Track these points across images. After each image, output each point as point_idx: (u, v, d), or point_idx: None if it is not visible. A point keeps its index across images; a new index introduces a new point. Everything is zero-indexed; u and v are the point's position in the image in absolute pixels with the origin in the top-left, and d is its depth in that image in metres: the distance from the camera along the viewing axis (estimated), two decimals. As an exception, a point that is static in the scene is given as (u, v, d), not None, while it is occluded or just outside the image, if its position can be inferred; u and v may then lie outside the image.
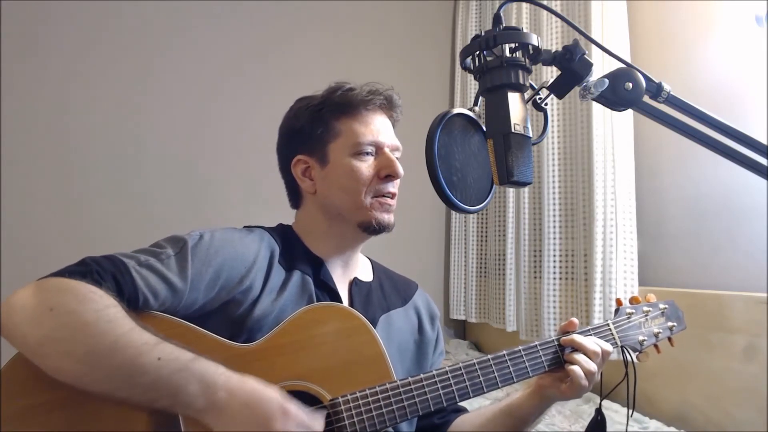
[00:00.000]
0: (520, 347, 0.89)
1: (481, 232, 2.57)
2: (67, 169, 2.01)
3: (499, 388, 0.86)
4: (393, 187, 0.94)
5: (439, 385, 0.82)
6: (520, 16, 2.31)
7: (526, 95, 0.65)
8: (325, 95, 0.95)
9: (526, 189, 2.17)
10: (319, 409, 0.74)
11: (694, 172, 1.76)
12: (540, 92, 0.67)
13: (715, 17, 1.73)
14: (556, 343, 0.90)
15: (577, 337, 0.89)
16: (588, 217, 1.88)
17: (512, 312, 2.23)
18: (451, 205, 0.60)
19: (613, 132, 1.83)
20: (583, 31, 0.72)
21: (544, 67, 1.55)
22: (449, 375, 0.83)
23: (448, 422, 1.00)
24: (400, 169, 0.93)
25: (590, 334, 0.92)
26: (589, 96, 0.63)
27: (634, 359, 0.95)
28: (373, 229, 0.92)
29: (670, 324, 1.00)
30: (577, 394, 0.87)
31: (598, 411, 0.96)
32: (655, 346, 0.99)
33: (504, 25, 0.63)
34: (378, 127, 0.94)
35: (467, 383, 0.83)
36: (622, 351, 0.94)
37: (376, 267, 1.08)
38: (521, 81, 0.62)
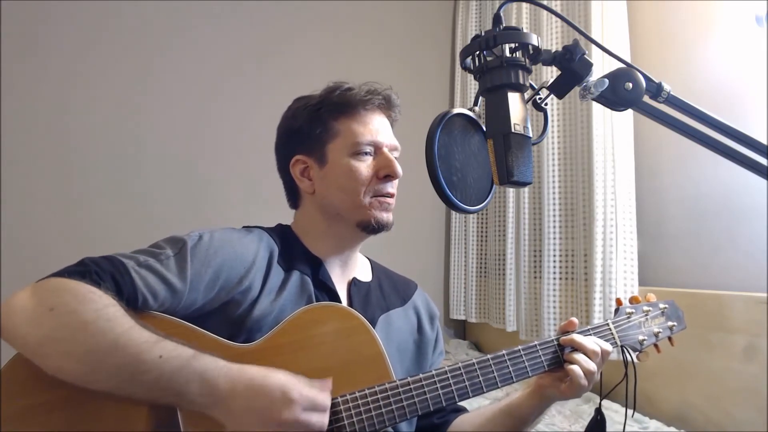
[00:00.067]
0: (520, 347, 0.88)
1: (481, 232, 2.57)
2: (67, 169, 2.01)
3: (498, 388, 0.86)
4: (392, 187, 0.94)
5: (438, 385, 0.82)
6: (520, 16, 2.31)
7: (526, 95, 0.64)
8: (323, 95, 0.95)
9: (526, 189, 2.17)
10: (323, 383, 0.73)
11: (694, 172, 1.76)
12: (540, 92, 0.67)
13: (715, 17, 1.73)
14: (555, 342, 0.90)
15: (577, 337, 0.89)
16: (588, 217, 1.88)
17: (512, 312, 2.23)
18: (451, 205, 0.60)
19: (613, 132, 1.83)
20: (583, 31, 0.72)
21: (544, 67, 1.55)
22: (449, 375, 0.83)
23: (447, 422, 0.99)
24: (399, 169, 0.93)
25: (590, 334, 0.92)
26: (589, 96, 0.63)
27: (634, 359, 0.95)
28: (372, 228, 0.92)
29: (670, 324, 1.00)
30: (577, 393, 0.87)
31: (598, 411, 0.96)
32: (655, 345, 0.99)
33: (504, 25, 0.62)
34: (376, 127, 0.94)
35: (467, 383, 0.83)
36: (622, 351, 0.94)
37: (375, 267, 1.08)
38: (521, 81, 0.62)
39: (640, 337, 0.96)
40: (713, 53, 1.73)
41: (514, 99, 0.61)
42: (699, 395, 1.57)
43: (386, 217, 0.93)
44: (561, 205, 2.04)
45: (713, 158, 0.69)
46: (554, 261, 2.02)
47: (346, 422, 0.77)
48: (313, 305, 0.86)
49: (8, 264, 1.82)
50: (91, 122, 2.04)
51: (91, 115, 2.04)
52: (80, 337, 0.65)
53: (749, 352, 1.44)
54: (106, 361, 0.65)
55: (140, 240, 0.88)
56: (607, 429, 0.96)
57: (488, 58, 0.63)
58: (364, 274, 1.03)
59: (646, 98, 0.63)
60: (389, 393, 0.79)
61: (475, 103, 0.65)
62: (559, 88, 0.65)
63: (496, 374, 0.85)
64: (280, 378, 0.69)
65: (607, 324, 0.96)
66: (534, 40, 0.62)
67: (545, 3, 1.41)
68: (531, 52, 0.62)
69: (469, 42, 0.64)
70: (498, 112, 0.61)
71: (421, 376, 0.82)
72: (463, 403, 0.95)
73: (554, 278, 2.02)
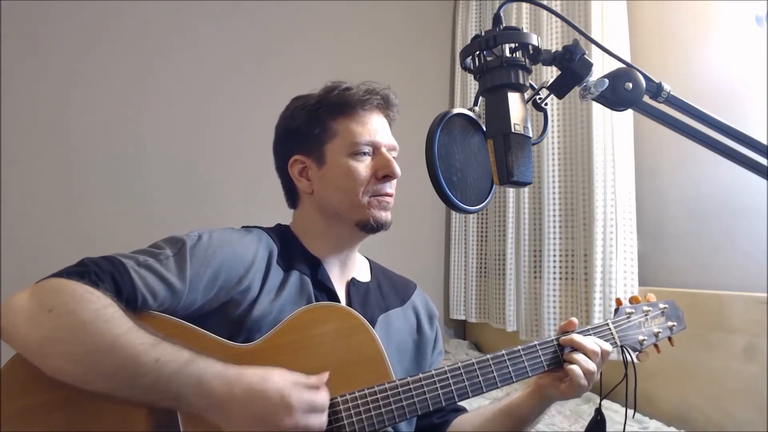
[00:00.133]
0: (519, 347, 0.88)
1: (481, 232, 2.57)
2: (67, 169, 2.01)
3: (498, 387, 0.86)
4: (390, 187, 0.94)
5: (438, 385, 0.82)
6: (520, 16, 2.31)
7: (526, 95, 0.64)
8: (321, 95, 0.95)
9: (526, 189, 2.17)
10: (319, 380, 0.73)
11: (694, 172, 1.76)
12: (540, 92, 0.67)
13: (715, 17, 1.73)
14: (555, 342, 0.90)
15: (577, 337, 0.89)
16: (588, 217, 1.88)
17: (512, 312, 2.23)
18: (451, 205, 0.60)
19: (613, 132, 1.83)
20: (583, 31, 0.72)
21: (544, 67, 1.55)
22: (448, 375, 0.83)
23: (447, 422, 0.99)
24: (398, 170, 0.92)
25: (590, 334, 0.92)
26: (589, 96, 0.63)
27: (634, 359, 0.95)
28: (371, 227, 0.92)
29: (670, 324, 1.00)
30: (577, 393, 0.87)
31: (598, 411, 0.96)
32: (655, 345, 0.99)
33: (504, 25, 0.62)
34: (375, 127, 0.93)
35: (466, 383, 0.83)
36: (622, 351, 0.94)
37: (374, 267, 1.08)
38: (521, 81, 0.62)
39: (640, 337, 0.96)
40: (713, 53, 1.73)
41: (514, 99, 0.61)
42: (699, 395, 1.57)
43: (385, 216, 0.93)
44: (561, 205, 2.04)
45: (713, 158, 0.69)
46: (554, 261, 2.02)
47: (345, 422, 0.77)
48: (312, 305, 0.86)
49: (8, 264, 1.82)
50: (91, 122, 2.04)
51: (91, 115, 2.04)
52: (78, 337, 0.65)
53: (749, 352, 1.44)
54: (103, 362, 0.65)
55: (140, 240, 0.88)
56: (608, 429, 0.96)
57: (488, 58, 0.62)
58: (363, 274, 1.03)
59: (646, 98, 0.63)
60: (389, 393, 0.79)
61: (475, 103, 0.65)
62: (559, 88, 0.65)
63: (495, 374, 0.85)
64: (277, 381, 0.69)
65: (607, 324, 0.95)
66: (534, 40, 0.62)
67: (545, 3, 1.41)
68: (531, 52, 0.62)
69: (469, 42, 0.64)
70: (498, 112, 0.61)
71: (420, 376, 0.82)
72: (462, 403, 0.95)
73: (554, 278, 2.02)
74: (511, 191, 2.25)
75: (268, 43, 2.39)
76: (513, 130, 0.60)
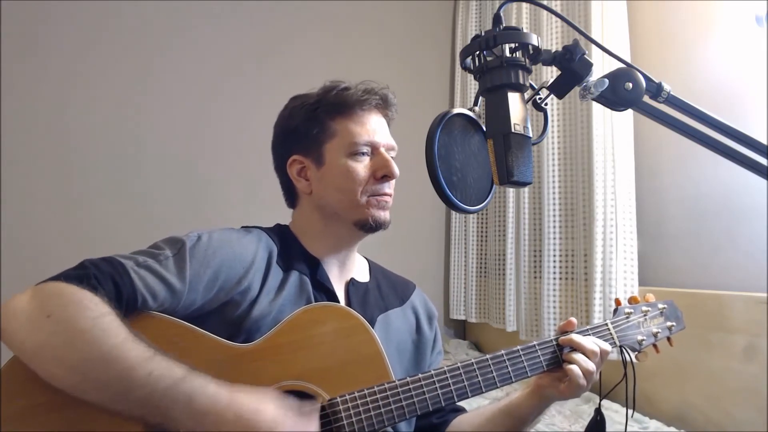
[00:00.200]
0: (519, 347, 0.89)
1: (481, 232, 2.57)
2: (67, 169, 2.01)
3: (497, 387, 0.86)
4: (389, 187, 0.94)
5: (437, 385, 0.82)
6: (520, 16, 2.31)
7: (526, 95, 0.64)
8: (320, 94, 0.95)
9: (526, 189, 2.17)
10: (312, 410, 0.72)
11: (694, 172, 1.76)
12: (540, 92, 0.67)
13: (715, 17, 1.73)
14: (554, 342, 0.90)
15: (576, 337, 0.89)
16: (588, 217, 1.88)
17: (512, 312, 2.22)
18: (451, 205, 0.60)
19: (613, 132, 1.83)
20: (583, 31, 0.72)
21: (544, 67, 1.55)
22: (447, 375, 0.83)
23: (446, 422, 0.99)
24: (396, 170, 0.92)
25: (589, 334, 0.92)
26: (589, 96, 0.63)
27: (633, 359, 0.95)
28: (370, 226, 0.92)
29: (669, 324, 1.00)
30: (576, 393, 0.87)
31: (598, 411, 0.96)
32: (654, 345, 0.99)
33: (504, 25, 0.62)
34: (374, 127, 0.93)
35: (465, 383, 0.83)
36: (621, 351, 0.94)
37: (373, 267, 1.08)
38: (521, 81, 0.62)
39: (639, 337, 0.96)
40: (713, 53, 1.73)
41: (514, 99, 0.61)
42: (699, 395, 1.57)
43: (383, 215, 0.93)
44: (561, 205, 2.04)
45: (713, 158, 0.69)
46: (554, 261, 2.02)
47: (345, 422, 0.77)
48: (312, 305, 0.86)
49: (8, 264, 1.82)
50: (91, 122, 2.04)
51: (91, 115, 2.04)
52: (74, 345, 0.65)
53: (749, 352, 1.44)
54: (97, 372, 0.65)
55: (140, 240, 0.88)
56: (608, 429, 0.96)
57: (488, 58, 0.62)
58: (362, 274, 1.03)
59: (646, 98, 0.63)
60: (388, 393, 0.79)
61: (475, 103, 0.65)
62: (559, 88, 0.65)
63: (495, 374, 0.85)
64: (269, 413, 0.67)
65: (606, 324, 0.96)
66: (534, 40, 0.62)
67: (545, 3, 1.41)
68: (531, 52, 0.62)
69: (469, 42, 0.64)
70: (498, 112, 0.61)
71: (420, 376, 0.82)
72: (462, 403, 0.95)
73: (554, 278, 2.02)
74: (511, 191, 2.25)
75: (268, 43, 2.39)
76: (513, 130, 0.60)
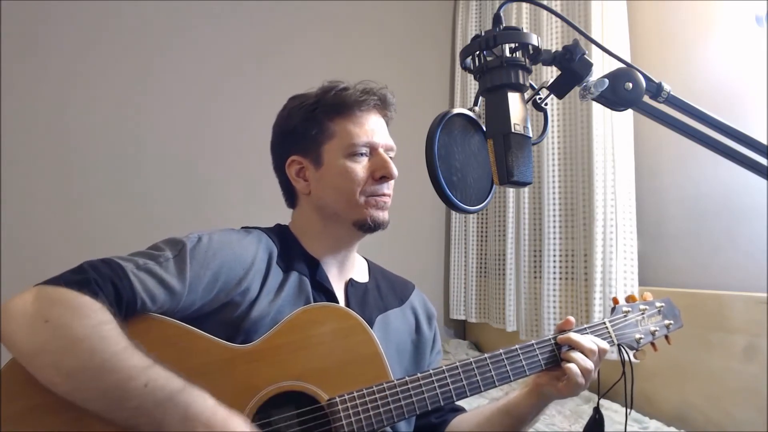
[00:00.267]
0: (517, 346, 0.89)
1: (481, 232, 2.57)
2: (67, 169, 2.01)
3: (496, 386, 0.86)
4: (387, 188, 0.94)
5: (436, 384, 0.82)
6: (520, 16, 2.31)
7: (526, 95, 0.64)
8: (318, 95, 0.95)
9: (526, 189, 2.17)
10: None
11: (694, 172, 1.76)
12: (540, 92, 0.67)
13: (715, 17, 1.73)
14: (552, 341, 0.91)
15: (574, 335, 0.89)
16: (588, 217, 1.88)
17: (512, 312, 2.23)
18: (451, 205, 0.60)
19: (613, 132, 1.83)
20: (583, 31, 0.72)
21: (544, 67, 1.55)
22: (446, 374, 0.83)
23: (445, 422, 1.00)
24: (395, 170, 0.92)
25: (587, 333, 0.93)
26: (589, 96, 0.63)
27: (631, 357, 0.95)
28: (368, 226, 0.92)
29: (666, 322, 1.00)
30: (574, 392, 0.87)
31: (596, 410, 0.96)
32: (652, 344, 0.99)
33: (504, 25, 0.62)
34: (372, 128, 0.93)
35: (464, 382, 0.83)
36: (619, 349, 0.94)
37: (372, 267, 1.08)
38: (521, 81, 0.62)
39: (637, 336, 0.97)
40: (713, 53, 1.73)
41: (514, 99, 0.61)
42: (699, 395, 1.57)
43: (382, 215, 0.93)
44: (561, 205, 2.04)
45: (713, 158, 0.69)
46: (554, 261, 2.03)
47: (344, 422, 0.77)
48: (310, 306, 0.86)
49: (8, 264, 1.82)
50: (91, 122, 2.04)
51: (91, 115, 2.04)
52: (71, 352, 0.65)
53: (749, 352, 1.44)
54: (93, 381, 0.64)
55: (140, 240, 0.88)
56: (608, 429, 0.96)
57: (488, 58, 0.62)
58: (361, 274, 1.03)
59: (646, 98, 0.63)
60: (387, 393, 0.79)
61: (475, 103, 0.65)
62: (559, 88, 0.65)
63: (493, 373, 0.85)
64: None
65: (604, 323, 0.96)
66: (534, 40, 0.62)
67: (545, 3, 1.41)
68: (531, 52, 0.62)
69: (469, 42, 0.64)
70: (498, 112, 0.61)
71: (418, 375, 0.82)
72: (461, 403, 0.95)
73: (554, 278, 2.02)
74: (511, 191, 2.25)
75: (268, 43, 2.39)
76: (513, 130, 0.60)
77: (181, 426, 0.64)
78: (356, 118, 0.92)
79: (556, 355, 0.90)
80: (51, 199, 1.97)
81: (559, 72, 0.64)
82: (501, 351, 0.87)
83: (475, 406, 1.04)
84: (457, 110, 0.63)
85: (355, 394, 0.79)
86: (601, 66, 1.52)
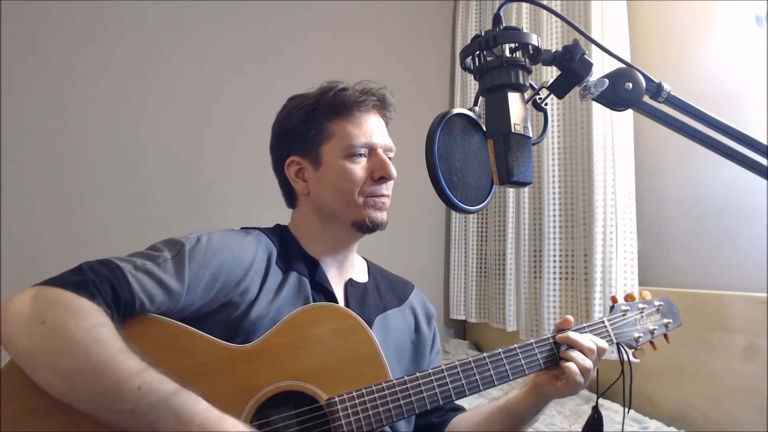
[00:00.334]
0: (516, 345, 0.89)
1: (481, 232, 2.57)
2: (67, 169, 2.01)
3: (495, 386, 0.86)
4: (386, 189, 0.93)
5: (435, 384, 0.82)
6: (520, 16, 2.31)
7: (526, 95, 0.64)
8: (317, 95, 0.94)
9: (526, 189, 2.17)
10: None
11: (694, 172, 1.76)
12: (540, 92, 0.67)
13: (715, 17, 1.73)
14: (551, 340, 0.91)
15: (572, 334, 0.89)
16: (588, 217, 1.88)
17: (512, 312, 2.23)
18: (451, 205, 0.60)
19: (613, 132, 1.83)
20: (583, 31, 0.72)
21: (544, 67, 1.55)
22: (445, 373, 0.83)
23: (445, 421, 1.00)
24: (394, 171, 0.92)
25: (586, 332, 0.93)
26: (589, 96, 0.63)
27: (630, 356, 0.95)
28: (367, 227, 0.92)
29: (665, 321, 1.00)
30: (573, 391, 0.87)
31: (595, 409, 0.96)
32: (651, 343, 0.99)
33: (504, 25, 0.62)
34: (371, 128, 0.93)
35: (463, 381, 0.83)
36: (618, 348, 0.94)
37: (371, 267, 1.08)
38: (521, 81, 0.62)
39: (636, 334, 0.97)
40: (713, 53, 1.73)
41: (514, 99, 0.61)
42: (699, 395, 1.57)
43: (380, 216, 0.93)
44: (561, 205, 2.04)
45: (713, 158, 0.69)
46: (554, 261, 2.03)
47: (343, 421, 0.77)
48: (309, 305, 0.86)
49: (8, 264, 1.82)
50: (91, 122, 2.04)
51: (91, 115, 2.04)
52: (67, 354, 0.65)
53: (749, 352, 1.44)
54: (87, 383, 0.64)
55: (140, 240, 0.88)
56: (608, 429, 0.96)
57: (488, 58, 0.62)
58: (361, 274, 1.03)
59: (646, 98, 0.63)
60: (386, 392, 0.79)
61: (475, 103, 0.65)
62: (559, 88, 0.65)
63: (492, 372, 0.85)
64: None
65: (603, 321, 0.96)
66: (534, 40, 0.62)
67: (545, 3, 1.41)
68: (531, 52, 0.62)
69: (469, 42, 0.64)
70: (498, 112, 0.61)
71: (417, 375, 0.82)
72: (461, 402, 0.95)
73: (554, 278, 2.02)
74: (511, 191, 2.25)
75: (268, 43, 2.39)
76: (513, 130, 0.60)
77: (176, 425, 0.64)
78: (355, 119, 0.92)
79: (555, 354, 0.90)
80: (51, 199, 1.97)
81: (559, 72, 0.64)
82: (500, 350, 0.87)
83: (475, 405, 1.04)
84: (457, 110, 0.63)
85: (354, 393, 0.79)
86: (601, 66, 1.52)
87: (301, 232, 0.97)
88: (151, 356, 0.69)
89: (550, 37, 2.08)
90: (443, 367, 0.84)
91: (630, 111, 0.73)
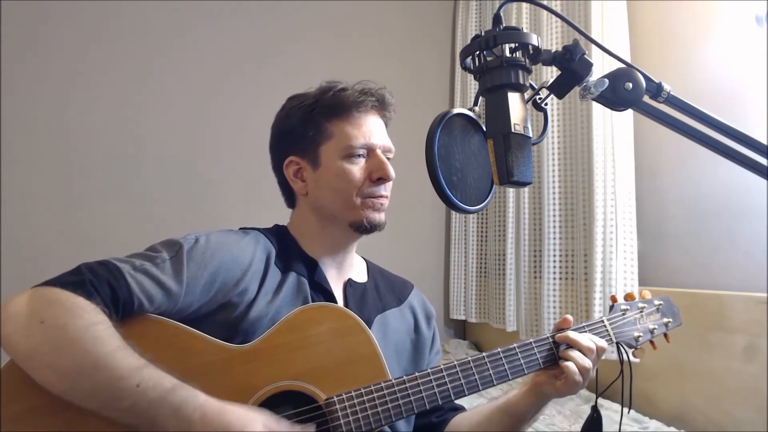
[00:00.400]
0: (515, 344, 0.89)
1: (481, 232, 2.57)
2: (67, 169, 2.01)
3: (494, 385, 0.86)
4: (384, 189, 0.93)
5: (434, 383, 0.82)
6: (520, 16, 2.31)
7: (526, 95, 0.64)
8: (317, 95, 0.94)
9: (526, 189, 2.17)
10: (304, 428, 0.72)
11: (694, 172, 1.76)
12: (540, 92, 0.67)
13: (715, 17, 1.73)
14: (550, 340, 0.90)
15: (572, 334, 0.89)
16: (588, 217, 1.88)
17: (512, 312, 2.23)
18: (451, 205, 0.60)
19: (613, 132, 1.83)
20: (583, 31, 0.72)
21: (544, 67, 1.55)
22: (444, 373, 0.83)
23: (445, 421, 1.00)
24: (392, 172, 0.92)
25: (585, 331, 0.92)
26: (589, 96, 0.63)
27: (630, 356, 0.95)
28: (365, 228, 0.92)
29: (665, 320, 1.00)
30: (572, 390, 0.87)
31: (594, 408, 0.96)
32: (651, 342, 0.99)
33: (504, 25, 0.62)
34: (370, 129, 0.93)
35: (462, 381, 0.83)
36: (617, 347, 0.94)
37: (371, 267, 1.08)
38: (521, 81, 0.62)
39: (636, 334, 0.96)
40: (713, 53, 1.73)
41: (514, 99, 0.61)
42: (699, 395, 1.57)
43: (378, 217, 0.93)
44: (561, 205, 2.04)
45: (713, 158, 0.69)
46: (554, 261, 2.02)
47: (342, 421, 0.77)
48: (308, 305, 0.86)
49: (8, 264, 1.82)
50: (91, 122, 2.04)
51: (91, 115, 2.04)
52: (65, 353, 0.65)
53: (749, 352, 1.44)
54: (86, 381, 0.65)
55: (140, 240, 0.88)
56: (607, 428, 0.96)
57: (488, 58, 0.62)
58: (360, 274, 1.03)
59: (646, 98, 0.63)
60: (385, 392, 0.79)
61: (475, 103, 0.65)
62: (559, 88, 0.65)
63: (491, 372, 0.85)
64: (259, 426, 0.68)
65: (602, 321, 0.96)
66: (534, 40, 0.62)
67: (545, 3, 1.41)
68: (531, 52, 0.62)
69: (469, 42, 0.64)
70: (498, 112, 0.61)
71: (416, 374, 0.82)
72: (461, 402, 0.95)
73: (554, 278, 2.02)
74: (511, 191, 2.25)
75: (268, 43, 2.39)
76: (513, 130, 0.60)
77: (175, 420, 0.65)
78: (354, 120, 0.92)
79: (555, 354, 0.89)
80: (51, 199, 1.97)
81: (559, 72, 0.64)
82: (499, 350, 0.87)
83: (475, 405, 1.04)
84: (457, 110, 0.63)
85: (353, 393, 0.79)
86: (601, 66, 1.52)
87: (300, 233, 0.97)
88: (151, 356, 0.69)
89: (550, 37, 2.08)
90: (442, 366, 0.83)
91: (630, 111, 0.73)
